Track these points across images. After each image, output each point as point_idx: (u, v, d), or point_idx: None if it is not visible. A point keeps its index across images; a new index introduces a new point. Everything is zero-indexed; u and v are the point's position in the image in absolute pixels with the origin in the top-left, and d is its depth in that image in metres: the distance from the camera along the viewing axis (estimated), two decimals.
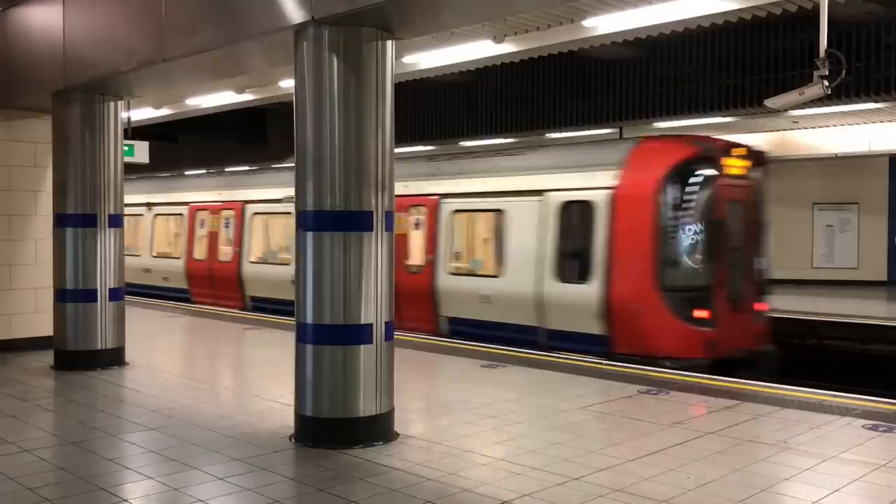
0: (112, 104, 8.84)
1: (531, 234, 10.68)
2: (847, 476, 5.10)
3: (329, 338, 5.73)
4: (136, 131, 15.00)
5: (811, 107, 12.34)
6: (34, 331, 9.75)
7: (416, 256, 12.18)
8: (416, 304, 11.78)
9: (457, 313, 11.57)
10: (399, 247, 10.84)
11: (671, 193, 9.68)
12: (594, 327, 9.84)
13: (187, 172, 22.47)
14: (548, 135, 17.51)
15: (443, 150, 19.58)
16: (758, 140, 17.81)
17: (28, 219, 9.91)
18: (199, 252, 17.10)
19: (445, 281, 11.71)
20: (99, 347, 8.72)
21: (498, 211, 11.26)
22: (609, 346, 9.72)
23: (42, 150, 9.80)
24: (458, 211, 11.82)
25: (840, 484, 4.94)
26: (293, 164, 5.91)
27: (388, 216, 5.87)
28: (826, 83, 7.19)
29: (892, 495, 4.74)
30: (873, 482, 5.02)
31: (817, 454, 5.53)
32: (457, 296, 11.57)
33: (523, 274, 10.68)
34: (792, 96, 7.60)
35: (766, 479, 5.04)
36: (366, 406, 5.77)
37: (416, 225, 12.23)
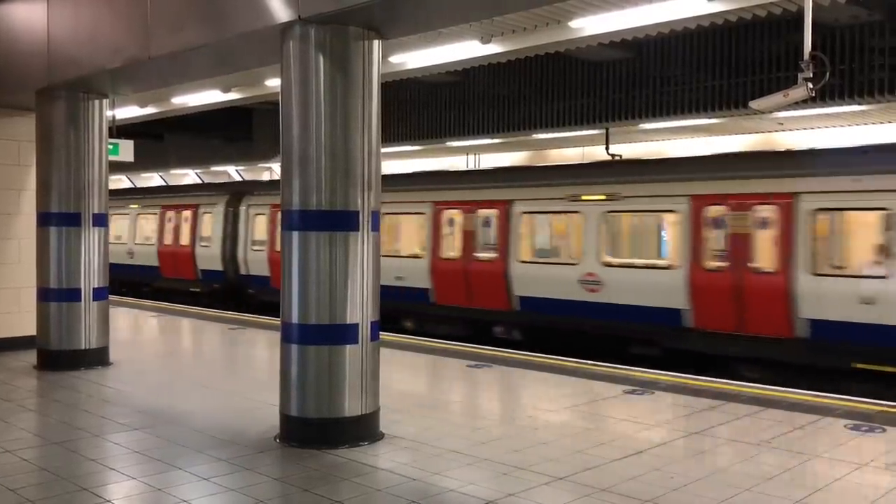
0: (97, 102, 8.79)
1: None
2: (830, 475, 5.14)
3: (315, 338, 5.72)
4: (120, 129, 14.90)
5: (796, 109, 12.40)
6: (17, 330, 9.68)
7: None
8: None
9: None
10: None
11: None
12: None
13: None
14: (535, 135, 17.54)
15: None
16: (744, 141, 17.91)
17: (11, 217, 9.83)
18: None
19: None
20: (83, 347, 8.67)
21: None
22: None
23: (25, 147, 9.73)
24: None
25: (823, 483, 4.98)
26: None
27: (375, 216, 5.86)
28: (810, 85, 7.21)
29: (874, 494, 4.78)
30: (856, 481, 5.06)
31: (800, 454, 5.57)
32: None
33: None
34: (776, 98, 7.62)
35: (750, 478, 5.07)
36: (351, 406, 5.76)
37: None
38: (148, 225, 22.35)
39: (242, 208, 19.13)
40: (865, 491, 4.88)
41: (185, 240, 20.56)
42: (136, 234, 22.60)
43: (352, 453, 5.54)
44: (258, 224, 18.65)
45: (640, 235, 13.28)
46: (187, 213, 20.64)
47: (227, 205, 19.55)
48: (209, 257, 19.71)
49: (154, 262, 21.51)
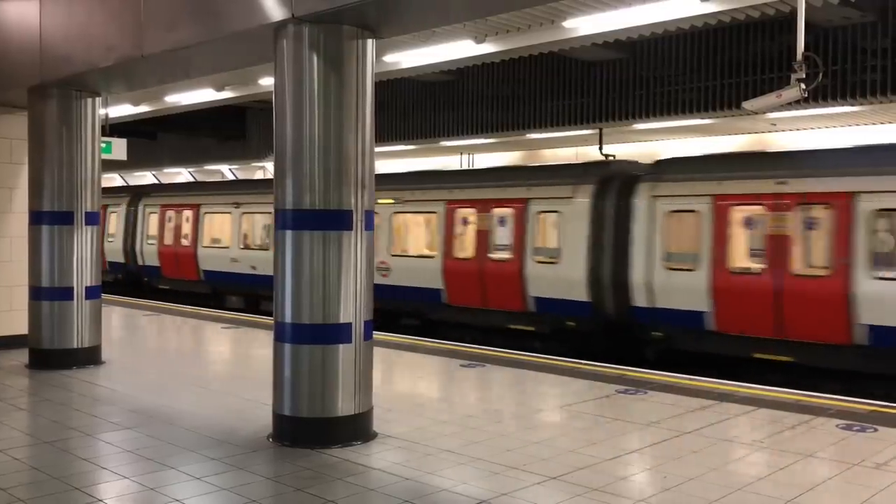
0: (89, 100, 8.76)
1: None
2: (821, 475, 5.16)
3: (308, 337, 5.71)
4: (113, 128, 14.86)
5: (789, 109, 12.46)
6: (9, 329, 9.63)
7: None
8: None
9: None
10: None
11: None
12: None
13: None
14: (528, 135, 17.55)
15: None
16: (738, 142, 17.95)
17: (3, 216, 9.78)
18: None
19: None
20: (75, 346, 8.63)
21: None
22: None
23: (17, 146, 9.69)
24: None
25: (815, 482, 4.99)
26: None
27: (368, 215, 5.86)
28: (803, 86, 7.24)
29: (866, 494, 4.80)
30: (847, 481, 5.08)
31: (792, 453, 5.59)
32: None
33: None
34: (769, 99, 7.65)
35: (742, 478, 5.08)
36: (344, 405, 5.76)
37: None
38: (421, 228, 15.50)
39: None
40: (857, 491, 4.89)
41: (509, 252, 13.29)
42: (394, 241, 15.28)
43: (344, 453, 5.54)
44: None
45: None
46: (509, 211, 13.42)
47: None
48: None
49: (438, 284, 14.01)
